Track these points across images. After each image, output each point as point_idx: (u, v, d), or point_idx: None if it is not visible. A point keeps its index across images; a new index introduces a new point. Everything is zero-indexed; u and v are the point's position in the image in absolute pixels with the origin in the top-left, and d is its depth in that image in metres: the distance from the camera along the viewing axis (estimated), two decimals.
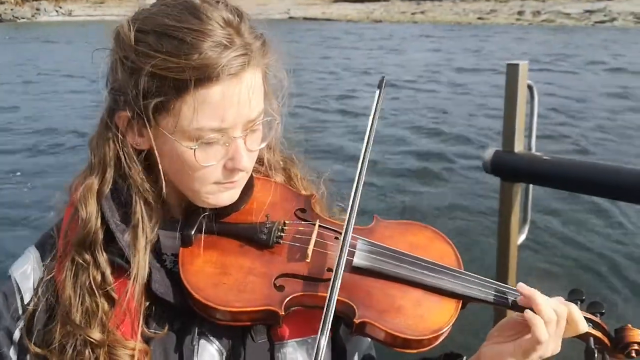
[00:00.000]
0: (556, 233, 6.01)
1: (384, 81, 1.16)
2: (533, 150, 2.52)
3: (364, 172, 1.07)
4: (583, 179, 2.38)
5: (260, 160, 1.19)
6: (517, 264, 2.69)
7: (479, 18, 44.29)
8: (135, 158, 1.02)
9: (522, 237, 2.67)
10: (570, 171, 2.42)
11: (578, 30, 34.07)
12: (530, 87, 2.44)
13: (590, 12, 42.97)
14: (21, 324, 1.03)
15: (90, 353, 0.98)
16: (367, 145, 1.09)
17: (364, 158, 1.08)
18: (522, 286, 1.04)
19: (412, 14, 49.58)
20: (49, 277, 1.04)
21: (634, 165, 2.29)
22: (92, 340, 0.97)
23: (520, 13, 45.46)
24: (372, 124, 1.11)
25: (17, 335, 1.03)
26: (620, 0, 47.22)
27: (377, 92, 1.14)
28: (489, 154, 2.54)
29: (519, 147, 2.50)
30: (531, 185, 2.62)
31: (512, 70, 2.42)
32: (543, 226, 6.00)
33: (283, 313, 0.98)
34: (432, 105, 13.14)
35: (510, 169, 2.55)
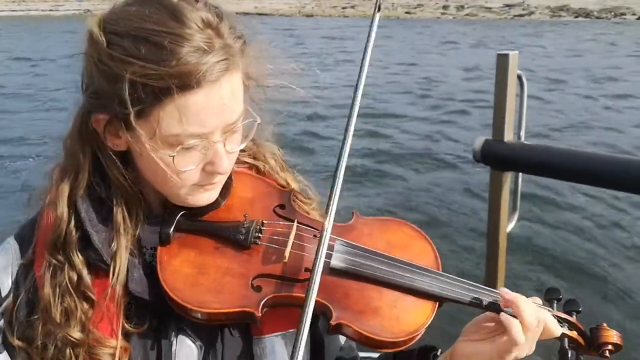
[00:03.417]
0: (546, 221, 6.14)
1: (379, 2, 1.08)
2: (522, 139, 2.56)
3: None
4: (573, 168, 2.43)
5: (243, 150, 1.18)
6: (507, 251, 2.74)
7: (407, 12, 45.31)
8: (114, 158, 1.00)
9: (512, 225, 2.71)
10: (559, 160, 2.47)
11: (498, 23, 35.54)
12: (519, 77, 2.47)
13: (510, 6, 44.98)
14: (0, 314, 1.03)
15: (71, 352, 0.97)
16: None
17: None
18: (505, 291, 1.03)
19: (343, 8, 50.05)
20: (27, 271, 1.03)
21: (624, 154, 2.37)
22: (72, 339, 0.97)
23: (445, 7, 46.91)
24: (366, 53, 1.04)
25: (1, 324, 1.03)
26: None
27: (375, 13, 1.06)
28: (478, 143, 2.56)
29: (508, 136, 2.53)
30: (520, 174, 2.66)
31: (502, 60, 2.44)
32: (532, 214, 6.12)
33: (260, 314, 0.98)
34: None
35: (500, 158, 2.57)
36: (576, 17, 38.09)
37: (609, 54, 19.49)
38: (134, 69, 0.87)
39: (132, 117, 0.91)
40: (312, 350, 1.15)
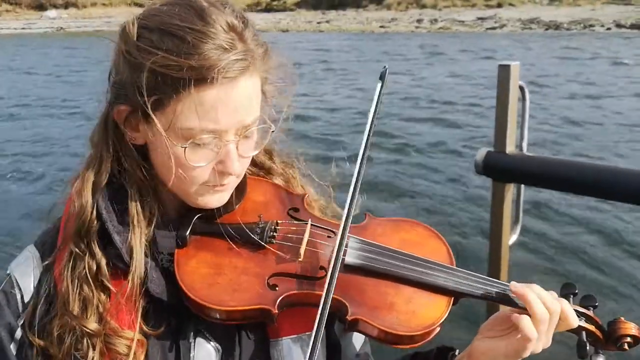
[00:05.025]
0: (548, 232, 6.13)
1: (386, 72, 1.13)
2: (524, 151, 2.54)
3: (364, 168, 1.06)
4: (574, 179, 2.43)
5: (257, 164, 1.21)
6: (509, 263, 2.71)
7: (381, 26, 45.76)
8: (132, 152, 1.04)
9: (514, 237, 2.69)
10: (561, 171, 2.46)
11: (471, 36, 36.12)
12: (521, 88, 2.46)
13: (482, 19, 45.79)
14: (22, 321, 1.04)
15: (88, 342, 0.99)
16: (367, 141, 1.07)
17: (363, 154, 1.06)
18: (514, 285, 1.04)
19: (318, 23, 50.44)
20: (48, 273, 1.05)
21: (625, 165, 2.36)
22: (88, 330, 0.99)
23: (419, 21, 47.53)
24: (373, 119, 1.09)
25: (18, 333, 1.04)
26: (509, 8, 50.81)
27: (379, 84, 1.11)
28: (480, 154, 2.54)
29: (510, 147, 2.51)
30: (522, 186, 2.64)
31: (503, 71, 2.43)
32: (535, 226, 6.09)
33: (277, 311, 0.99)
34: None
35: (501, 170, 2.55)
36: (547, 29, 38.92)
37: (597, 64, 19.87)
38: (156, 59, 0.91)
39: (149, 107, 0.93)
40: (327, 355, 1.15)
